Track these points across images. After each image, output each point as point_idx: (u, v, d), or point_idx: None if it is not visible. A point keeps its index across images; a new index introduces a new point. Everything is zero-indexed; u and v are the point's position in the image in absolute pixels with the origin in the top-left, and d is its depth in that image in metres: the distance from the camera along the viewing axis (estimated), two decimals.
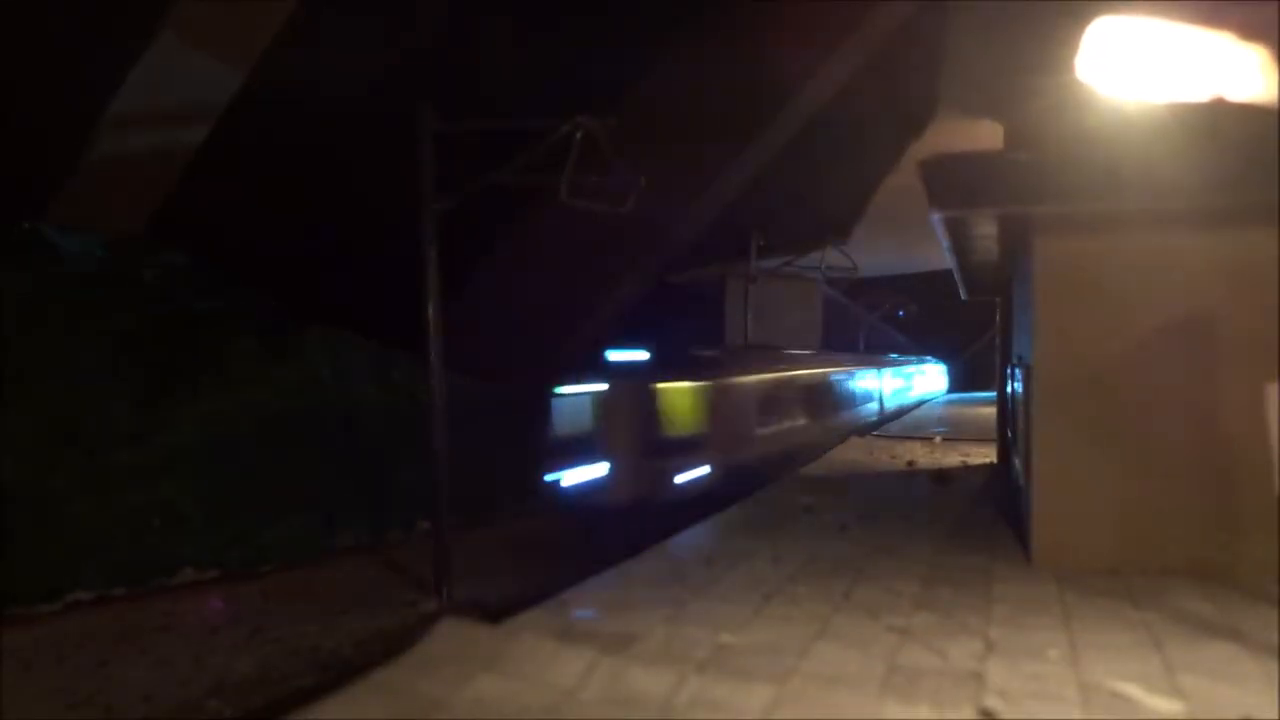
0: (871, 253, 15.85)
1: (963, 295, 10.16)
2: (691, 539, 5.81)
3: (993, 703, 3.03)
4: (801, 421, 12.07)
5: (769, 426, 10.80)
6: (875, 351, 21.15)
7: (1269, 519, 4.38)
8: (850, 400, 15.47)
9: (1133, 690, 3.13)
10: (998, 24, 6.53)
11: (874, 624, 3.92)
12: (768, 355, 12.42)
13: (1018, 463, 6.98)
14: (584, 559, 5.36)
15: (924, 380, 26.69)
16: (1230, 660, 3.44)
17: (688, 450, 8.83)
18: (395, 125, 7.14)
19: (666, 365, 9.43)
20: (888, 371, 19.85)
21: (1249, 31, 4.66)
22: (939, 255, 8.24)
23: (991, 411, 11.82)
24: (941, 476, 8.72)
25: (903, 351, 26.11)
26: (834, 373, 14.63)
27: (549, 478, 8.78)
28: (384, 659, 3.40)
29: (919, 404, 23.33)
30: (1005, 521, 6.29)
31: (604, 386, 9.12)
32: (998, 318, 10.50)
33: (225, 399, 8.69)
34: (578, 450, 8.84)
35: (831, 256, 14.74)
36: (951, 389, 31.59)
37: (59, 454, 7.40)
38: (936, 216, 5.44)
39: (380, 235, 9.88)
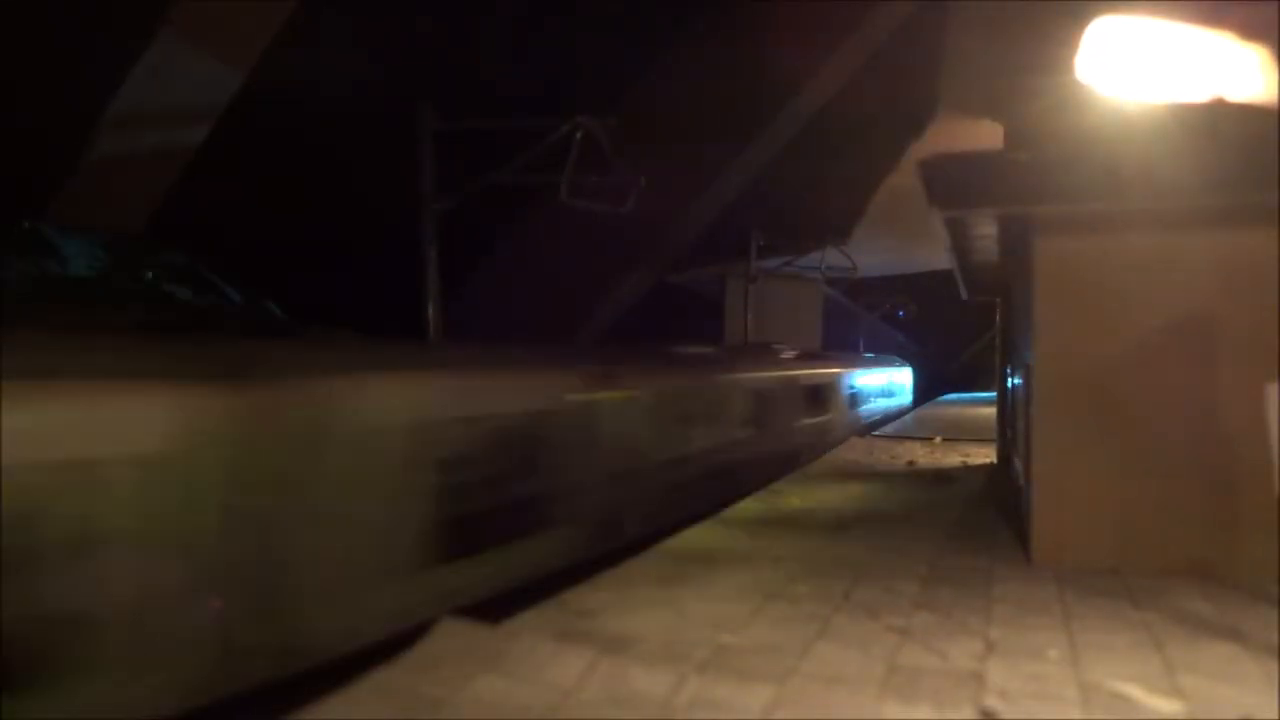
0: (871, 253, 15.87)
1: (963, 295, 10.17)
2: (691, 539, 5.81)
3: (993, 703, 3.03)
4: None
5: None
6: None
7: (1269, 519, 4.38)
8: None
9: (1133, 690, 3.13)
10: (998, 24, 6.53)
11: (874, 624, 3.92)
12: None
13: (1018, 463, 6.99)
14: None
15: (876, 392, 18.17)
16: (1230, 660, 3.44)
17: None
18: (395, 125, 7.16)
19: None
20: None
21: (1249, 31, 4.66)
22: (939, 255, 8.25)
23: (991, 411, 11.82)
24: (941, 476, 8.72)
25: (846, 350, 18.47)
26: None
27: None
28: (384, 659, 3.39)
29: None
30: (1005, 521, 6.29)
31: None
32: (998, 318, 10.51)
33: None
34: None
35: (831, 256, 14.74)
36: (919, 400, 23.57)
37: None
38: (937, 216, 5.44)
39: (380, 235, 9.89)
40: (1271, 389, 4.49)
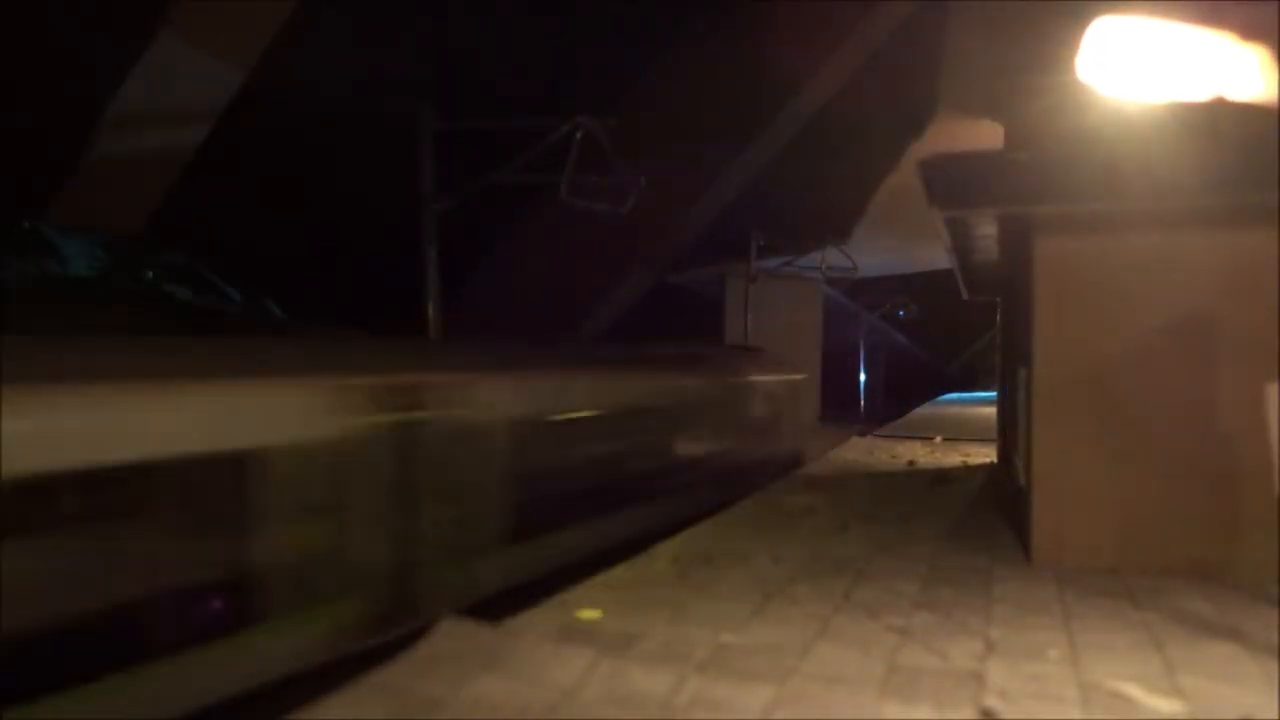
0: (871, 253, 15.85)
1: (964, 295, 10.17)
2: (691, 539, 5.81)
3: (993, 703, 3.03)
4: None
5: None
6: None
7: (1269, 519, 4.38)
8: None
9: (1133, 690, 3.13)
10: (998, 24, 6.53)
11: (874, 624, 3.92)
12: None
13: (1018, 463, 6.99)
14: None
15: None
16: (1230, 660, 3.44)
17: None
18: (395, 125, 7.16)
19: None
20: None
21: (1249, 31, 4.67)
22: (939, 255, 8.25)
23: (991, 411, 11.82)
24: (941, 476, 8.72)
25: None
26: None
27: None
28: (384, 659, 3.40)
29: None
30: (1005, 521, 6.29)
31: None
32: (998, 318, 10.51)
33: None
34: None
35: (831, 256, 14.72)
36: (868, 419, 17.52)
37: None
38: (937, 216, 5.44)
39: (380, 235, 9.89)
40: (1271, 389, 4.49)
